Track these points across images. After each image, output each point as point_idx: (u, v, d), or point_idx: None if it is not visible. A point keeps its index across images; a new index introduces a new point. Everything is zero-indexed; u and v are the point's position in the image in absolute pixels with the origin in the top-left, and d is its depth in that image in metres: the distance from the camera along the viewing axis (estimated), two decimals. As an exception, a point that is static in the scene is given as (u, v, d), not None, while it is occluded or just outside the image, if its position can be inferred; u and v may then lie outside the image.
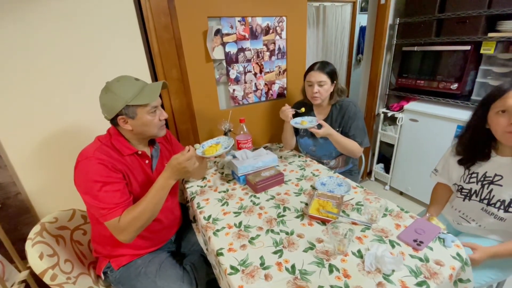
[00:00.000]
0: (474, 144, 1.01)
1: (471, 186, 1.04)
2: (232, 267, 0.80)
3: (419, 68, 2.01)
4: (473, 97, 1.81)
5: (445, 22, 1.82)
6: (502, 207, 0.95)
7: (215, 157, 1.13)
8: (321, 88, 1.37)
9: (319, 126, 1.33)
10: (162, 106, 1.30)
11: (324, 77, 1.36)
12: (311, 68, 1.40)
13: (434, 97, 1.96)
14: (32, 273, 1.14)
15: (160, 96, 0.99)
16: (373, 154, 2.53)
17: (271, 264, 0.81)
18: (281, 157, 1.55)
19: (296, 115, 1.42)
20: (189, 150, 0.93)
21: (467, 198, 1.05)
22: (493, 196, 0.97)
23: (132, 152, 0.97)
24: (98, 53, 1.21)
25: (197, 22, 1.41)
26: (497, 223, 0.98)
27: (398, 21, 2.04)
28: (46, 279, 0.86)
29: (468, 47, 1.70)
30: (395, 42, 2.11)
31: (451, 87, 1.83)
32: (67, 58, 1.16)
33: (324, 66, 1.38)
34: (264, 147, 1.60)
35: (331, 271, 0.77)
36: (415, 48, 1.98)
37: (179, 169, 0.91)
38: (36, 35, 1.08)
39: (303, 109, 1.42)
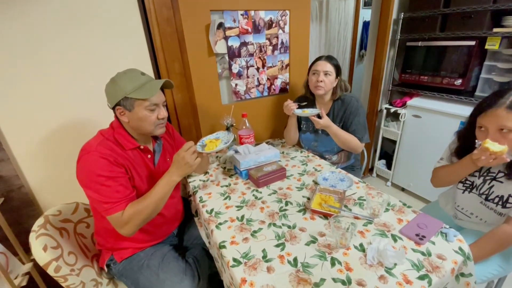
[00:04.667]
0: (467, 150, 1.00)
1: (473, 179, 1.04)
2: (234, 260, 0.81)
3: (423, 64, 2.00)
4: (477, 93, 1.80)
5: (450, 17, 1.80)
6: (500, 202, 0.96)
7: (216, 152, 1.13)
8: (326, 78, 1.37)
9: (320, 118, 1.34)
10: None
11: (330, 68, 1.37)
12: (317, 59, 1.43)
13: (438, 93, 1.95)
14: (36, 266, 1.15)
15: (164, 93, 0.99)
16: (375, 151, 2.52)
17: (273, 257, 0.81)
18: (283, 152, 1.55)
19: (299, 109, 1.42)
20: (191, 147, 0.93)
21: (467, 190, 1.05)
22: (492, 192, 0.98)
23: (134, 146, 0.97)
24: (100, 47, 1.20)
25: (199, 15, 1.40)
26: (497, 218, 0.98)
27: (402, 15, 2.02)
28: (50, 271, 0.86)
29: (472, 43, 1.69)
30: (399, 37, 2.09)
31: (455, 83, 1.82)
32: (69, 51, 1.15)
33: (331, 58, 1.41)
34: (266, 142, 1.60)
35: (333, 264, 0.77)
36: (419, 43, 1.97)
37: (179, 162, 0.92)
38: (38, 29, 1.07)
39: (305, 103, 1.43)
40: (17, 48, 1.06)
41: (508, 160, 0.86)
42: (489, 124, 0.88)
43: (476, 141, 0.91)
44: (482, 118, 0.90)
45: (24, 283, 1.10)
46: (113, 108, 0.93)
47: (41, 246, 0.87)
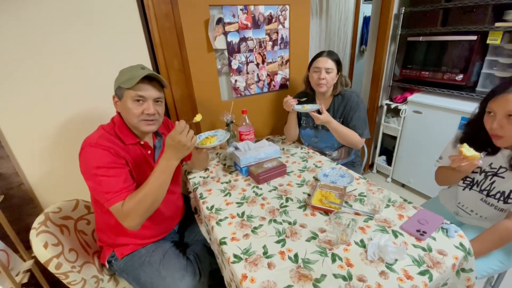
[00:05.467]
0: (475, 136, 1.00)
1: (474, 176, 1.04)
2: (235, 256, 0.81)
3: (424, 59, 1.99)
4: (478, 88, 1.79)
5: (451, 11, 1.79)
6: (502, 198, 0.95)
7: (210, 148, 1.13)
8: (328, 75, 1.37)
9: (320, 114, 1.33)
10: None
11: (331, 64, 1.37)
12: (318, 55, 1.41)
13: (439, 89, 1.94)
14: (37, 263, 1.15)
15: (164, 92, 1.01)
16: (376, 147, 2.52)
17: (274, 253, 0.81)
18: (283, 149, 1.55)
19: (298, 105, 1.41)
20: (184, 128, 0.90)
21: (468, 187, 1.05)
22: (494, 188, 0.97)
23: (134, 141, 0.97)
24: (98, 43, 1.19)
25: (198, 10, 1.39)
26: (498, 214, 0.98)
27: (403, 10, 2.00)
28: (51, 268, 0.86)
29: (474, 37, 1.67)
30: (399, 32, 2.07)
31: (456, 78, 1.81)
32: (68, 48, 1.14)
33: (332, 54, 1.40)
34: (267, 139, 1.59)
35: (334, 260, 0.77)
36: (420, 38, 1.95)
37: (174, 146, 0.88)
38: (36, 26, 1.06)
39: (305, 99, 1.42)
40: (16, 45, 1.05)
41: (480, 163, 0.88)
42: (498, 108, 0.87)
43: (458, 145, 0.94)
44: (493, 102, 0.90)
45: (25, 280, 1.10)
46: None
47: (41, 243, 0.87)
